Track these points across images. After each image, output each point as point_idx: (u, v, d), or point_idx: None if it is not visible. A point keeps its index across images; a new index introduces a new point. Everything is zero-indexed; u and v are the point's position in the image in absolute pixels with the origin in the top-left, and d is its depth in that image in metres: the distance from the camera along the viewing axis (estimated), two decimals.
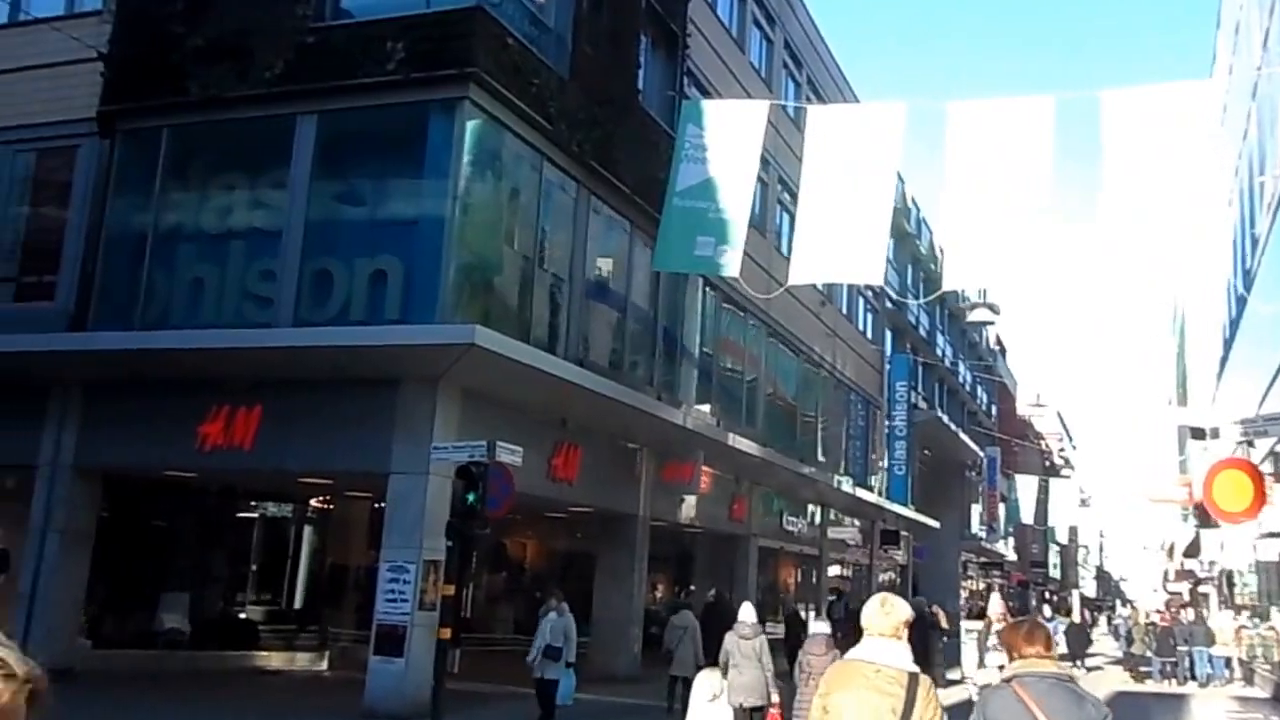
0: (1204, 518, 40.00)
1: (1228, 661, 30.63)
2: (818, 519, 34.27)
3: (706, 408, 24.96)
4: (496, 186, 18.26)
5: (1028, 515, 63.67)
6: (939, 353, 49.64)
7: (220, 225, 18.18)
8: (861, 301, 39.48)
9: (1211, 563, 43.42)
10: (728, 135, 19.87)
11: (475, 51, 16.70)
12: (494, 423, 17.62)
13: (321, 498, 23.54)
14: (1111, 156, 14.01)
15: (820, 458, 33.48)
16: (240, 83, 17.79)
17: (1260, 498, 12.70)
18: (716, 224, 19.38)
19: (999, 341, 67.31)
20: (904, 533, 41.30)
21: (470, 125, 17.00)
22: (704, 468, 23.21)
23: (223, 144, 18.62)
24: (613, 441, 21.35)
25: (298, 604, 24.68)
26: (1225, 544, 27.79)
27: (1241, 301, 26.50)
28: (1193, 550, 48.19)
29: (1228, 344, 30.38)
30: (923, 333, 47.58)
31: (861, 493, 34.68)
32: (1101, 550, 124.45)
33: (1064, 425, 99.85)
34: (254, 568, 24.42)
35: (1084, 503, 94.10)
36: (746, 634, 13.42)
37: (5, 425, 18.04)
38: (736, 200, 19.53)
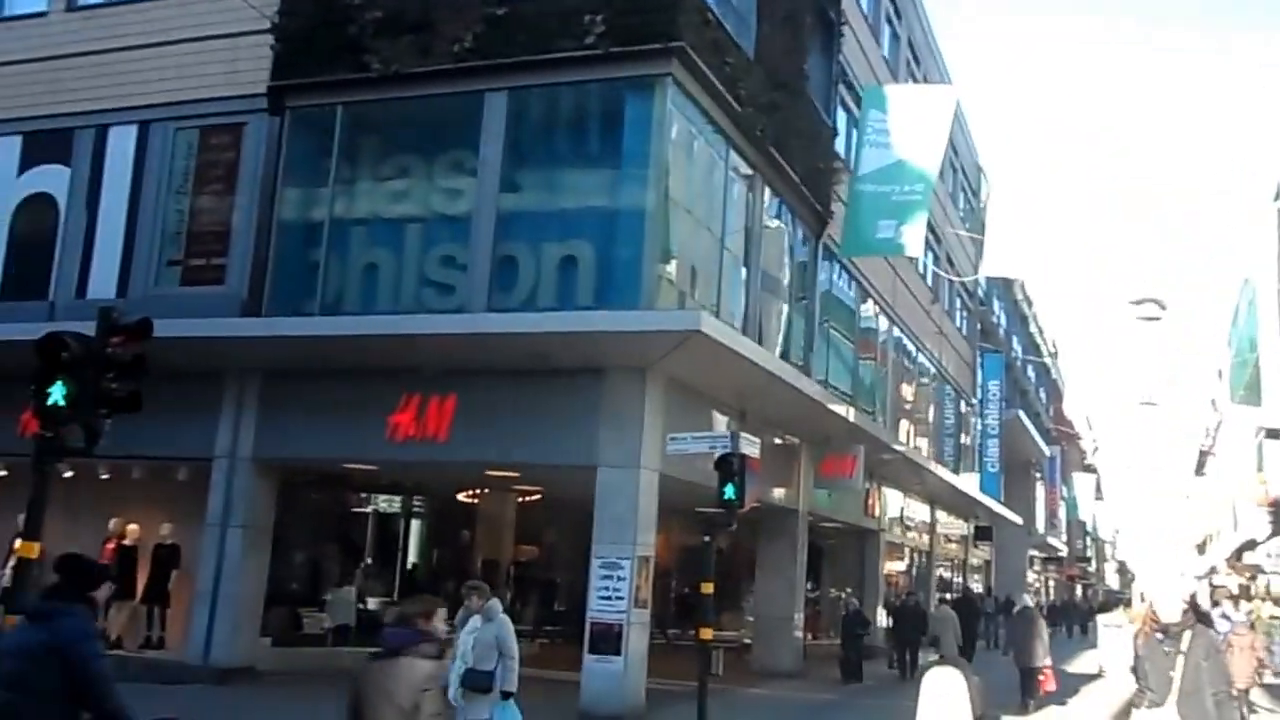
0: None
1: None
2: (927, 515, 33.85)
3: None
4: (693, 170, 17.53)
5: (1083, 512, 63.72)
6: (1013, 353, 49.37)
7: (401, 209, 17.46)
8: (959, 301, 39.06)
9: None
10: (910, 120, 19.43)
11: (680, 25, 15.93)
12: (692, 414, 17.11)
13: (470, 492, 22.78)
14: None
15: (929, 454, 32.94)
16: (423, 58, 17.04)
17: None
18: (899, 206, 19.09)
19: (1054, 344, 67.01)
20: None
21: (672, 104, 16.22)
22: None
23: (403, 123, 17.88)
24: (776, 435, 20.65)
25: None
26: None
27: None
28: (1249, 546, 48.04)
29: None
30: (1001, 333, 47.26)
31: (969, 489, 34.28)
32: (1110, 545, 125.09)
33: (1089, 424, 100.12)
34: (412, 563, 23.85)
35: (1099, 497, 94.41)
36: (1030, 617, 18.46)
37: (176, 415, 17.05)
38: (919, 182, 19.12)
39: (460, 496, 22.92)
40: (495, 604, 10.81)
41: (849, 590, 28.52)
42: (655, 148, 16.05)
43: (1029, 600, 19.00)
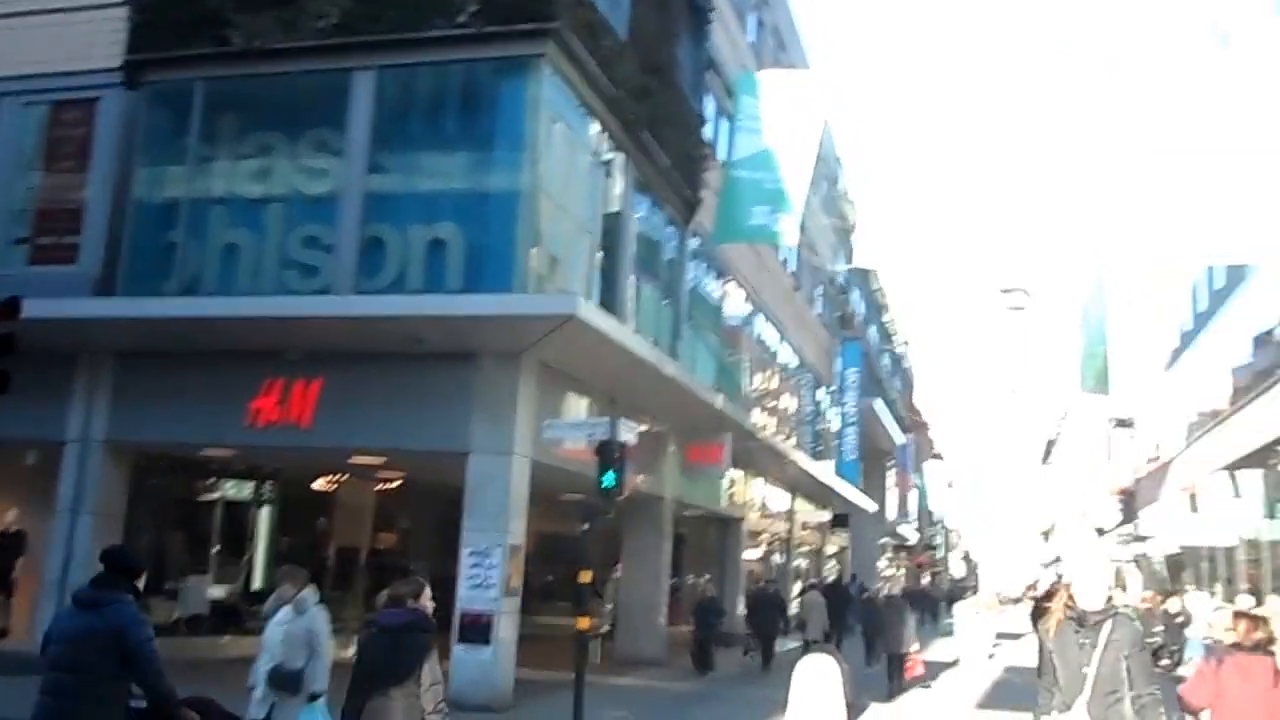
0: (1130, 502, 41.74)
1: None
2: (787, 503, 34.19)
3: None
4: (564, 154, 17.31)
5: (932, 501, 65.20)
6: (869, 341, 50.17)
7: (264, 188, 16.80)
8: (821, 287, 39.48)
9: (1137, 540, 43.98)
10: (783, 107, 19.52)
11: (555, 6, 15.73)
12: (564, 400, 17.00)
13: (330, 478, 22.25)
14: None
15: (791, 441, 33.26)
16: (287, 33, 16.54)
17: None
18: (773, 194, 19.17)
19: (906, 334, 68.35)
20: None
21: (545, 87, 16.01)
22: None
23: (266, 100, 17.29)
24: (644, 421, 20.51)
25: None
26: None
27: (1218, 297, 27.22)
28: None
29: (1187, 337, 31.13)
30: (859, 321, 47.99)
31: (827, 477, 34.67)
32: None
33: (940, 413, 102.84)
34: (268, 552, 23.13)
35: (950, 485, 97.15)
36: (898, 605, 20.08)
37: (25, 397, 16.13)
38: (793, 169, 19.20)
39: (318, 483, 22.37)
40: (308, 594, 9.48)
41: (706, 577, 28.68)
42: (528, 130, 15.82)
43: (897, 589, 19.57)
